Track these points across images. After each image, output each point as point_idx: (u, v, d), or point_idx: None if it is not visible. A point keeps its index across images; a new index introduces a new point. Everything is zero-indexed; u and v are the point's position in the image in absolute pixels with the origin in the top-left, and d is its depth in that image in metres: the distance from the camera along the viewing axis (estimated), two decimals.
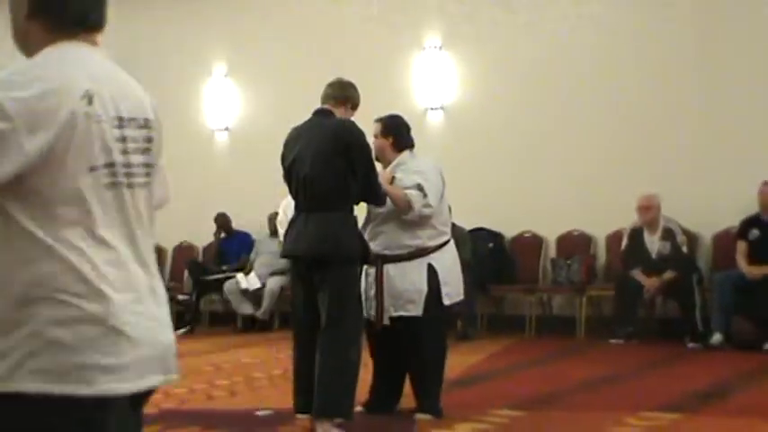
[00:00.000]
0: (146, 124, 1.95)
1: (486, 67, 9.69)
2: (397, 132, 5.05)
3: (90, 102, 1.81)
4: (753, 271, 7.80)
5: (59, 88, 1.78)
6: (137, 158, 1.90)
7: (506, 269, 9.17)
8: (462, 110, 9.77)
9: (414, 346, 4.89)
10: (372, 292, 4.79)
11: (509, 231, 9.40)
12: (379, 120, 5.09)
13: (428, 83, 9.84)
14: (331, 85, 4.81)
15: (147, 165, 1.94)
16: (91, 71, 1.87)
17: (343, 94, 4.77)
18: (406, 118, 5.21)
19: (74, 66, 1.86)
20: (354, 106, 4.81)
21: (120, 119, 1.88)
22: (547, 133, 9.28)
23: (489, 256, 9.04)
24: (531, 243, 9.34)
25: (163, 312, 1.93)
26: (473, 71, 9.75)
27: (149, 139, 1.95)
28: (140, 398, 1.90)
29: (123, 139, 1.87)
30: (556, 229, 9.25)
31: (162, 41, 11.44)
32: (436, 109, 9.83)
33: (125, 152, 1.87)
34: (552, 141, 9.25)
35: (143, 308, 1.85)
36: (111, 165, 1.84)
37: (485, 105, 9.63)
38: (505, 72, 9.54)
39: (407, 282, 4.83)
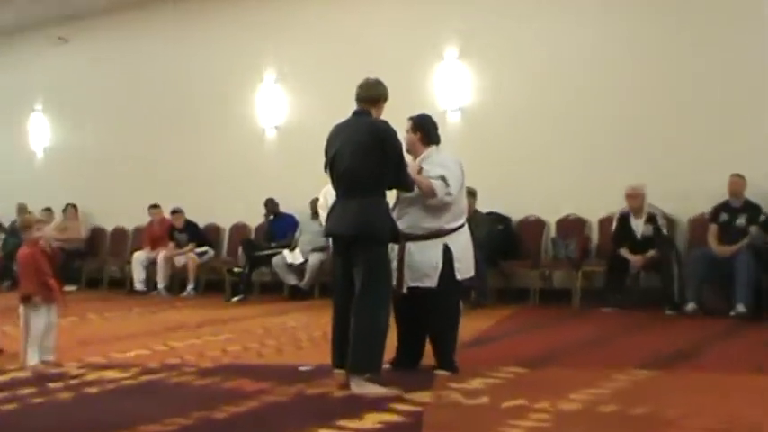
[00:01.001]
0: None
1: (496, 74, 9.64)
2: (426, 129, 5.01)
3: None
4: (721, 249, 7.75)
5: None
6: None
7: (514, 248, 9.15)
8: (477, 111, 9.73)
9: (431, 313, 4.88)
10: (394, 264, 4.76)
11: (516, 215, 9.36)
12: (411, 118, 5.05)
13: (448, 88, 9.81)
14: (361, 87, 4.74)
15: None
16: None
17: (372, 94, 4.71)
18: None
19: None
20: (384, 99, 4.75)
21: None
22: (549, 130, 9.22)
23: (499, 236, 9.02)
24: (535, 225, 9.31)
25: None
26: (486, 78, 9.71)
27: None
28: None
29: None
30: (556, 213, 9.20)
31: (220, 53, 11.49)
32: (455, 110, 9.79)
33: None
34: (554, 137, 9.19)
35: None
36: None
37: (496, 107, 9.59)
38: (513, 78, 9.50)
39: (425, 258, 4.80)
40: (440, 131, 5.10)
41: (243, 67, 11.30)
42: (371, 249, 4.50)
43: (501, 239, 9.02)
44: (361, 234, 4.50)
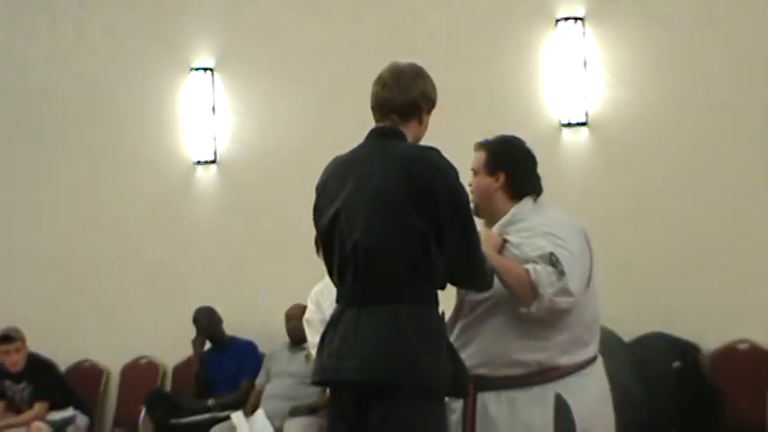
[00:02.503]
0: None
1: (658, 52, 9.73)
2: (513, 167, 5.13)
3: None
4: None
5: None
6: None
7: (706, 406, 9.13)
8: (620, 125, 9.82)
9: None
10: None
11: (709, 341, 9.37)
12: (483, 145, 5.18)
13: (562, 82, 9.92)
14: (384, 85, 4.84)
15: None
16: None
17: (410, 97, 4.80)
18: (528, 142, 5.27)
19: None
20: (430, 106, 4.87)
21: None
22: None
23: (675, 382, 9.01)
24: (749, 362, 9.32)
25: None
26: (637, 61, 9.81)
27: None
28: None
29: None
30: None
31: (114, 24, 11.70)
32: (576, 125, 9.90)
33: None
34: None
35: None
36: None
37: (659, 118, 9.67)
38: (689, 61, 9.57)
39: (520, 424, 4.88)
40: (547, 168, 5.23)
41: (154, 46, 11.50)
42: (410, 409, 4.54)
43: (678, 390, 9.01)
44: (390, 379, 4.55)
